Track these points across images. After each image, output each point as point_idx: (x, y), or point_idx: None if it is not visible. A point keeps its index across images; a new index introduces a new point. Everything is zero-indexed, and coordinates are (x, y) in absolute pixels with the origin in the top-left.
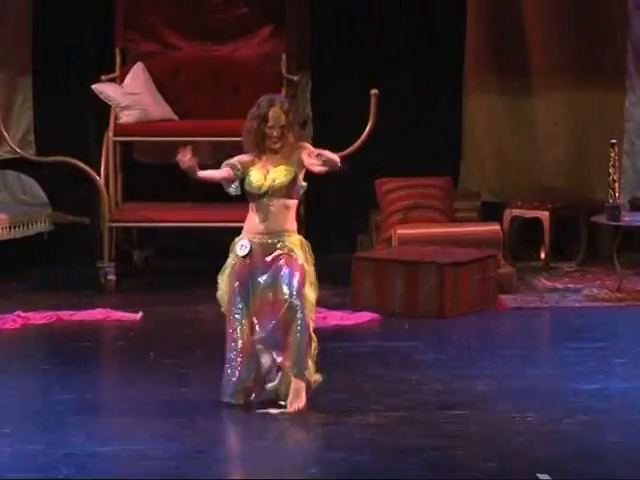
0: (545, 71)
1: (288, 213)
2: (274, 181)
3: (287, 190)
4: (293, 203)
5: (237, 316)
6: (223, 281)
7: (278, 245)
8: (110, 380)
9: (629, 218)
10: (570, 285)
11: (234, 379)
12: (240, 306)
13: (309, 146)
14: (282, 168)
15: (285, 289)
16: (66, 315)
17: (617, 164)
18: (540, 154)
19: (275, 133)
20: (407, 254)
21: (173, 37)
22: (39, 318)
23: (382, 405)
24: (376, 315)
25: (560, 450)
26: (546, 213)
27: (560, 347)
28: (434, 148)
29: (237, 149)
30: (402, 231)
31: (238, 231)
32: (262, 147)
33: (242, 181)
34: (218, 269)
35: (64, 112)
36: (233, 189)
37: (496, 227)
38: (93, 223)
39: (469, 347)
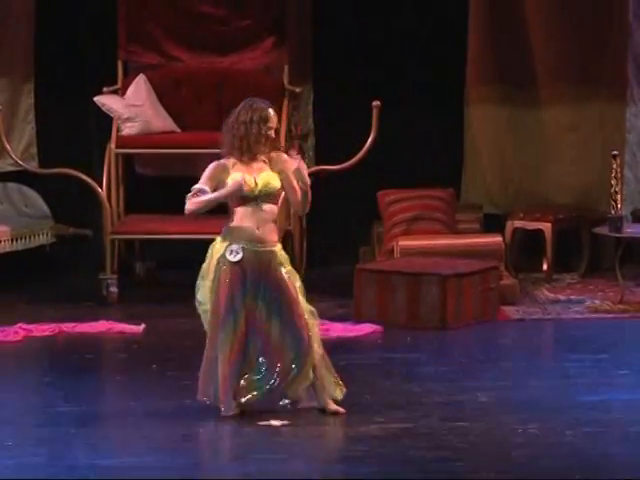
0: (547, 82)
1: (274, 220)
2: (267, 185)
3: (275, 196)
4: (277, 210)
5: (227, 329)
6: (205, 287)
7: (271, 256)
8: (112, 392)
9: (631, 230)
10: (572, 296)
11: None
12: (231, 318)
13: (291, 160)
14: (269, 174)
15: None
16: (68, 327)
17: (619, 175)
18: (542, 165)
19: (270, 133)
20: (409, 266)
21: (175, 49)
22: (41, 330)
23: (384, 417)
24: (378, 327)
25: (562, 462)
26: (548, 225)
27: (562, 359)
28: (437, 160)
29: None
30: (404, 243)
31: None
32: (255, 150)
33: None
34: None
35: (66, 124)
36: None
37: (498, 239)
38: (95, 235)
39: (471, 358)
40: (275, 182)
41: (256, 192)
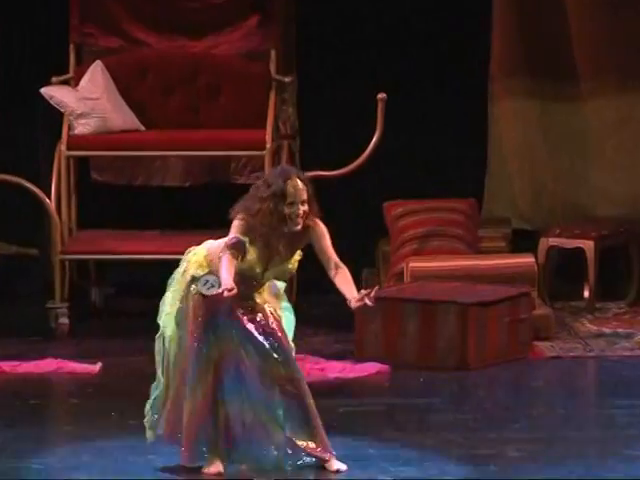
0: (586, 73)
1: None
2: (276, 276)
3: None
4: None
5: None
6: (170, 299)
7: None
8: (63, 445)
9: None
10: (619, 330)
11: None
12: (205, 350)
13: (323, 228)
14: (286, 264)
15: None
16: (9, 366)
17: None
18: (581, 171)
19: (297, 211)
20: (422, 292)
21: (139, 30)
22: None
23: (392, 475)
24: (384, 366)
25: None
26: (590, 243)
27: (608, 405)
28: (454, 164)
29: (215, 166)
30: (416, 264)
31: None
32: (276, 231)
33: None
34: None
35: (7, 123)
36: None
37: (530, 260)
38: (42, 255)
39: (497, 405)
40: (288, 272)
41: (259, 279)
